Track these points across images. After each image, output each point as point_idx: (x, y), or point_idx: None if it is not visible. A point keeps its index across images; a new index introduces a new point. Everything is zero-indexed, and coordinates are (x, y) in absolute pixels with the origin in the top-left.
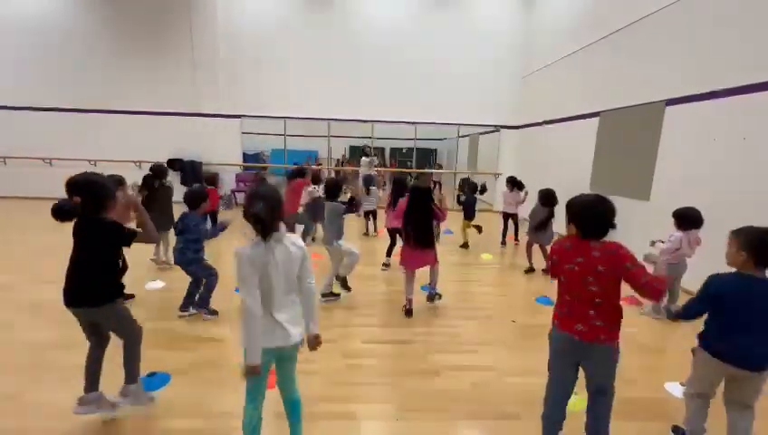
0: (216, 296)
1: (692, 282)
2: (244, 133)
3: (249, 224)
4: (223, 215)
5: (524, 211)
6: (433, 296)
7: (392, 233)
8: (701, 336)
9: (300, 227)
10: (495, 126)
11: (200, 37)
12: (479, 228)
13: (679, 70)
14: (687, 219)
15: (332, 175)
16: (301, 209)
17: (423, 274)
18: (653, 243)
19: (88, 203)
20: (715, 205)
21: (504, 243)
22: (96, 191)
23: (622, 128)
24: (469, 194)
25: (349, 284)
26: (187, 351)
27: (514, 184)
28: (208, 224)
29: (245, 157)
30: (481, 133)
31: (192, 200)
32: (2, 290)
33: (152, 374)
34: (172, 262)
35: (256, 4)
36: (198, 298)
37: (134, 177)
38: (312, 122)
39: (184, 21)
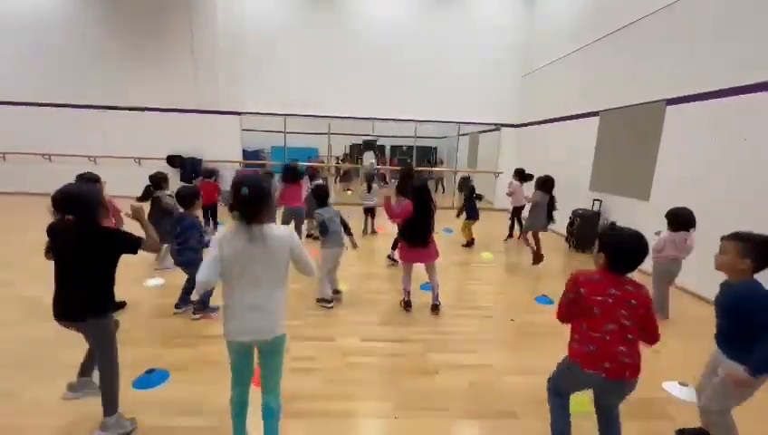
0: (216, 294)
1: (692, 283)
2: (244, 130)
3: (232, 210)
4: (223, 209)
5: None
6: (437, 307)
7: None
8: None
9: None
10: (496, 124)
11: (200, 33)
12: (471, 242)
13: (680, 69)
14: (676, 220)
15: (321, 181)
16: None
17: (422, 273)
18: (658, 232)
19: (84, 218)
20: (715, 205)
21: (510, 236)
22: (89, 205)
23: (623, 127)
24: (468, 194)
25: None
26: (187, 348)
27: (523, 176)
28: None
29: (245, 154)
30: (481, 132)
31: (184, 200)
32: (1, 286)
33: (151, 371)
34: (171, 266)
35: (257, 1)
36: (198, 301)
37: (134, 173)
38: (312, 120)
39: (184, 17)
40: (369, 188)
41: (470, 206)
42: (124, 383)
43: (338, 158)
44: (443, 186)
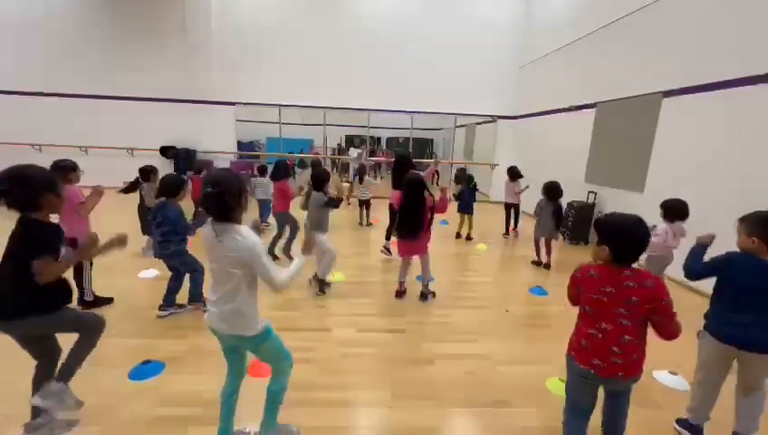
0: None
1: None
2: (238, 121)
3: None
4: None
5: (524, 204)
6: (426, 295)
7: (393, 213)
8: (707, 318)
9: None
10: (492, 116)
11: (194, 22)
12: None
13: (677, 61)
14: (674, 211)
15: (322, 165)
16: (291, 209)
17: (419, 265)
18: (653, 227)
19: (23, 201)
20: (710, 196)
21: (507, 233)
22: (29, 186)
23: (619, 119)
24: (465, 186)
25: (324, 287)
26: (182, 339)
27: (515, 174)
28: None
29: (240, 145)
30: (477, 123)
31: (169, 189)
32: None
33: (146, 362)
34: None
35: None
36: (189, 296)
37: (127, 164)
38: (307, 111)
39: (178, 6)
40: (362, 181)
41: (466, 198)
42: (120, 374)
43: (333, 149)
44: (437, 173)
